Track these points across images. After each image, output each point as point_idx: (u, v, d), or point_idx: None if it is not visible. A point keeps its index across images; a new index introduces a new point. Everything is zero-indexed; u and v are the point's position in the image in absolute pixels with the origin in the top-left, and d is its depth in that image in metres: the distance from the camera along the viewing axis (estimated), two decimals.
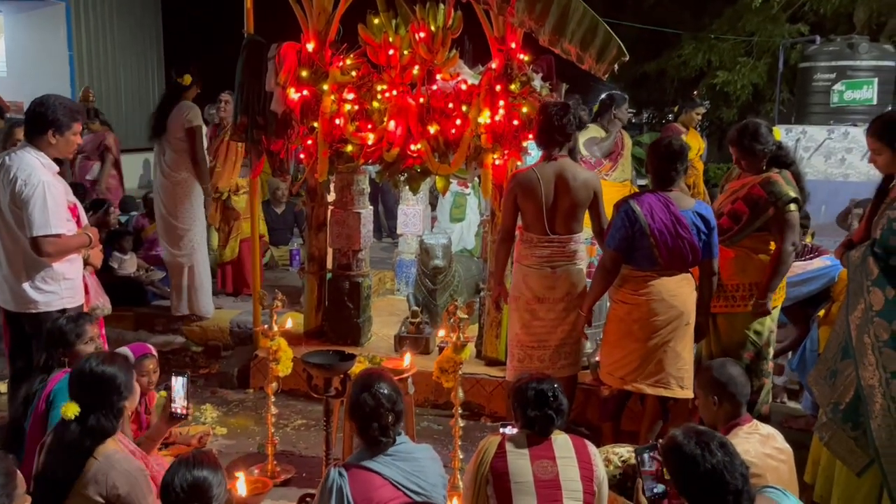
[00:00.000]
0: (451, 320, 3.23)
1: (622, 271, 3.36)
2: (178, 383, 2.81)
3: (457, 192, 6.07)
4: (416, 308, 4.66)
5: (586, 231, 3.71)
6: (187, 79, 5.03)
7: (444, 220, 6.11)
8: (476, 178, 4.61)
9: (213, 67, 5.68)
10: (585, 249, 3.81)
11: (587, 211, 3.58)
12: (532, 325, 3.58)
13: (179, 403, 2.81)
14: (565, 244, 3.55)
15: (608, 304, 3.67)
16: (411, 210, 5.78)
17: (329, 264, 4.78)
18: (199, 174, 5.10)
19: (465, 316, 3.22)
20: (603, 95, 5.22)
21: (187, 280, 5.20)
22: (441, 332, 3.39)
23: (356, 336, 4.62)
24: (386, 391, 2.35)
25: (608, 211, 3.54)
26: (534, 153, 4.18)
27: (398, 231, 5.96)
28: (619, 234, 3.28)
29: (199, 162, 5.09)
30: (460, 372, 3.24)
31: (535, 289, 3.56)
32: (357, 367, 3.19)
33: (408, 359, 3.43)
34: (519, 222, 3.63)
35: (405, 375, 3.30)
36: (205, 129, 5.19)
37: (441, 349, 4.02)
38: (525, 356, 3.59)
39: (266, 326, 3.44)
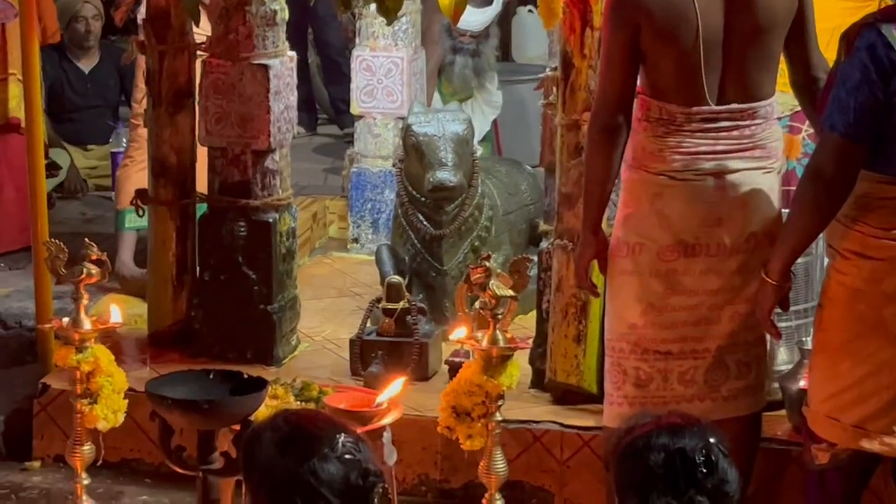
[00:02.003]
0: (478, 303, 3.27)
1: (860, 187, 3.38)
2: None
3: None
4: (396, 278, 4.74)
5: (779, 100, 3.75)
6: None
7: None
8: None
9: None
10: (782, 138, 3.83)
11: (784, 50, 3.62)
12: (668, 305, 3.63)
13: None
14: (744, 123, 3.59)
15: (825, 262, 3.70)
16: (382, 60, 5.84)
17: (201, 185, 4.84)
18: None
19: (509, 293, 3.27)
20: None
21: None
22: (456, 332, 3.44)
23: (265, 341, 4.72)
24: (354, 456, 2.33)
25: (830, 51, 3.57)
26: None
27: (354, 110, 6.06)
28: (856, 100, 3.29)
29: None
30: (499, 417, 3.30)
31: (681, 225, 3.61)
32: (268, 409, 3.25)
33: (385, 393, 3.49)
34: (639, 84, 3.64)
35: (377, 426, 3.36)
36: None
37: (455, 368, 4.07)
38: (651, 374, 3.65)
39: (65, 322, 3.50)
